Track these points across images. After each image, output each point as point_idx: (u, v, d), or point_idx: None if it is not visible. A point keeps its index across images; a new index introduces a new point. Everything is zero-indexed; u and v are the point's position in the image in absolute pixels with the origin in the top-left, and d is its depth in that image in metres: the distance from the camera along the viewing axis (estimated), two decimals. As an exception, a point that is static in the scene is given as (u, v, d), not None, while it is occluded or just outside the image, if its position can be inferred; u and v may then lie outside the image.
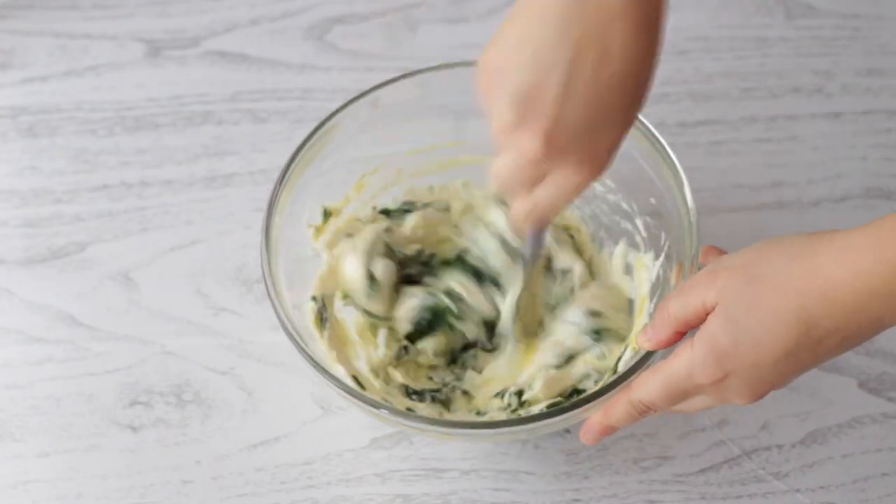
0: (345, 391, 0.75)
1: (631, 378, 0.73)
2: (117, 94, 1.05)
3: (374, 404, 0.74)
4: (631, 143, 0.83)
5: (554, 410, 0.74)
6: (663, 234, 0.84)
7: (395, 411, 0.75)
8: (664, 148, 0.81)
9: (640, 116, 0.81)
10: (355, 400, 0.75)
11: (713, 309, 0.66)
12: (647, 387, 0.71)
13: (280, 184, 0.81)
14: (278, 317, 0.77)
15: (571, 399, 0.81)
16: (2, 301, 0.93)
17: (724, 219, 0.96)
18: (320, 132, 0.83)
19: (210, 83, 1.05)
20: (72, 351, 0.91)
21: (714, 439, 0.86)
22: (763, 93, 1.03)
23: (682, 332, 0.71)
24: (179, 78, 1.06)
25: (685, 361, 0.67)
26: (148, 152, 1.01)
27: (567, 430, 0.86)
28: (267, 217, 0.80)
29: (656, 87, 1.03)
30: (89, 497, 0.84)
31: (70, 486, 0.85)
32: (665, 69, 1.05)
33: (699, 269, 0.76)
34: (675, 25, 1.08)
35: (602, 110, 0.64)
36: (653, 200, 0.84)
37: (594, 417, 0.75)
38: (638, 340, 0.73)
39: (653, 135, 0.82)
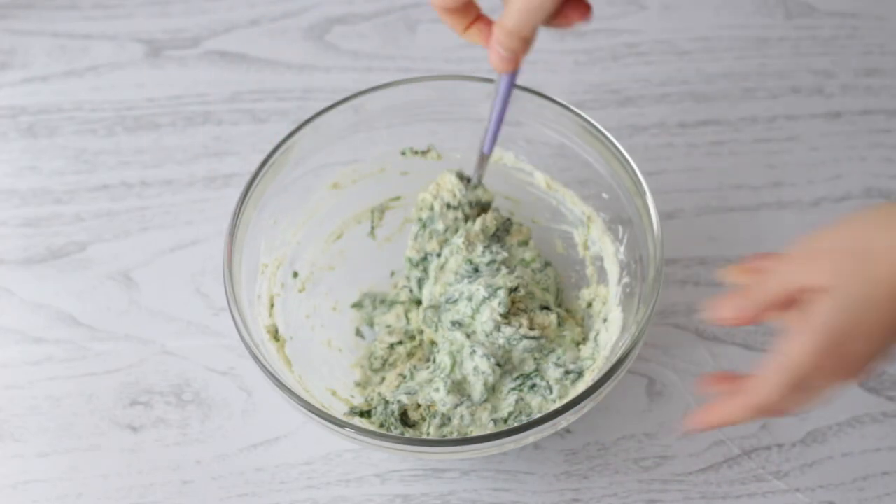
0: (304, 408, 0.76)
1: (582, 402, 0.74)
2: (117, 94, 1.05)
3: (339, 423, 0.75)
4: (589, 150, 0.85)
5: (525, 425, 0.75)
6: (620, 229, 0.85)
7: (360, 430, 0.75)
8: (624, 157, 0.83)
9: (600, 126, 0.83)
10: (317, 417, 0.76)
11: (808, 294, 0.65)
12: (769, 391, 0.68)
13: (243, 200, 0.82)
14: (240, 334, 0.78)
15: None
16: (2, 301, 0.93)
17: (724, 219, 0.96)
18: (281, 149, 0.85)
19: (210, 83, 1.05)
20: (72, 351, 0.91)
21: (714, 439, 0.86)
22: (763, 93, 1.03)
23: (758, 315, 0.69)
24: (179, 78, 1.06)
25: (801, 351, 0.66)
26: (148, 152, 1.01)
27: (567, 430, 0.86)
28: (229, 243, 0.81)
29: (657, 87, 1.04)
30: (89, 497, 0.84)
31: (70, 486, 0.85)
32: (665, 69, 1.05)
33: (661, 281, 0.78)
34: (676, 26, 1.08)
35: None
36: (605, 195, 0.86)
37: (699, 420, 0.72)
38: (716, 313, 0.69)
39: (612, 143, 0.83)
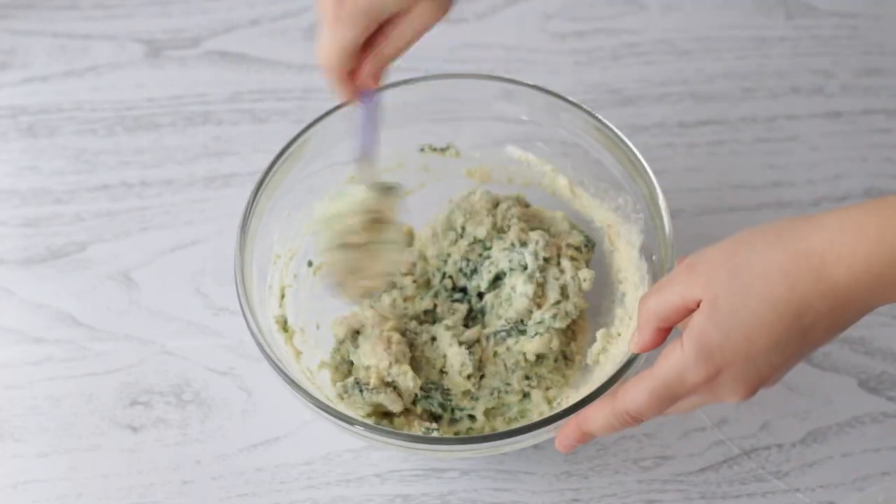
0: (314, 404, 0.76)
1: (596, 389, 0.73)
2: (117, 94, 1.05)
3: (349, 420, 0.75)
4: (598, 148, 0.85)
5: (529, 426, 0.74)
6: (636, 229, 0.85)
7: (369, 427, 0.75)
8: (636, 157, 0.83)
9: (613, 126, 0.83)
10: (326, 414, 0.75)
11: (696, 305, 0.65)
12: (634, 395, 0.68)
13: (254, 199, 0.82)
14: (251, 331, 0.78)
15: None
16: (2, 301, 0.93)
17: (724, 219, 0.96)
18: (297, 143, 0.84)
19: (210, 83, 1.05)
20: (72, 351, 0.91)
21: (714, 439, 0.86)
22: (763, 93, 1.03)
23: (666, 330, 0.70)
24: (179, 78, 1.06)
25: (675, 362, 0.66)
26: (148, 152, 1.01)
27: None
28: (241, 239, 0.80)
29: (656, 87, 1.04)
30: (89, 497, 0.84)
31: (70, 486, 0.85)
32: (666, 69, 1.05)
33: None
34: (676, 26, 1.08)
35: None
36: (620, 201, 0.86)
37: (569, 424, 0.73)
38: (629, 346, 0.73)
39: (625, 144, 0.83)
